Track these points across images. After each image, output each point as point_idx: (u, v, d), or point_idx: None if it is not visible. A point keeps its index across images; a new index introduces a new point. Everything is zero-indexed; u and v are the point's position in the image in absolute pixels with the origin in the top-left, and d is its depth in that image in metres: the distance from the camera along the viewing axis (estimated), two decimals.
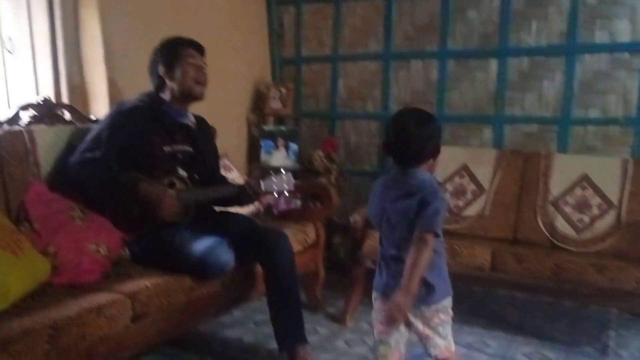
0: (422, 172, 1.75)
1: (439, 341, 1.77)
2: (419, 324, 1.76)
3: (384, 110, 3.64)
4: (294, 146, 3.68)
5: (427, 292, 1.72)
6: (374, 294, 1.89)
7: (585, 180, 2.89)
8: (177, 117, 2.39)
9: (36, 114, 2.39)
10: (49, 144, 2.30)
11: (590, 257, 2.59)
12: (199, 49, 2.41)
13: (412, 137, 1.68)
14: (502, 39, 3.25)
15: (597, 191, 2.85)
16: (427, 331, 1.76)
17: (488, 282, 2.74)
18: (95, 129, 2.28)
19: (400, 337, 1.79)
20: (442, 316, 1.76)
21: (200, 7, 3.30)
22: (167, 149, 2.32)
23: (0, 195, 2.10)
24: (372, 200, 1.84)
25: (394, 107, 3.60)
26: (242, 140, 3.76)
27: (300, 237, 2.79)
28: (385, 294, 1.78)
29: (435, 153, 1.76)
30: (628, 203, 2.77)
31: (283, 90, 3.73)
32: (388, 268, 1.80)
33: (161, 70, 2.35)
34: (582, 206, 2.87)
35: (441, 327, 1.77)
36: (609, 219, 2.79)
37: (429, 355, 1.81)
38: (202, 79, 2.37)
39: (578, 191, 2.89)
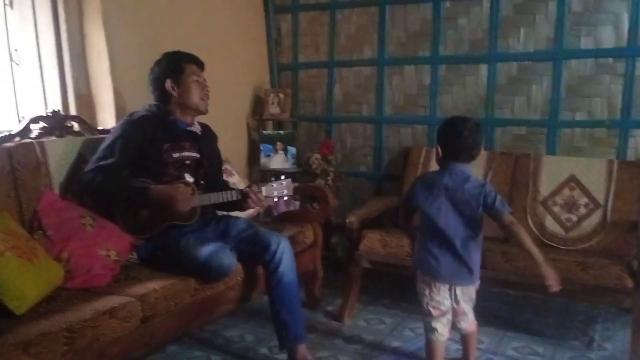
0: (469, 168, 2.15)
1: (471, 316, 2.25)
2: (462, 301, 2.19)
3: (378, 114, 3.74)
4: (292, 149, 3.78)
5: (472, 273, 2.15)
6: (428, 279, 2.19)
7: (573, 181, 3.00)
8: (184, 125, 2.51)
9: (46, 125, 2.50)
10: (59, 154, 2.41)
11: (577, 255, 2.68)
12: (201, 65, 2.52)
13: (480, 136, 2.13)
14: (491, 45, 3.35)
15: (584, 191, 2.97)
16: (466, 307, 2.21)
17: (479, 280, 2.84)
18: (107, 138, 2.39)
19: (449, 316, 2.20)
20: (473, 294, 2.23)
21: (201, 18, 3.39)
22: (176, 155, 2.43)
23: (14, 205, 2.21)
24: (425, 194, 2.16)
25: (388, 111, 3.71)
26: (242, 144, 3.87)
27: (299, 238, 2.89)
28: (454, 277, 2.15)
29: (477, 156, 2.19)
30: (613, 202, 2.89)
31: (281, 95, 3.83)
32: (452, 251, 2.11)
33: (167, 84, 2.46)
34: (570, 206, 2.98)
35: (471, 303, 2.23)
36: (595, 218, 2.91)
37: (460, 328, 2.28)
38: (206, 95, 2.51)
39: (566, 191, 3.01)
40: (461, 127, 2.10)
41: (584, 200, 2.96)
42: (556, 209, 3.00)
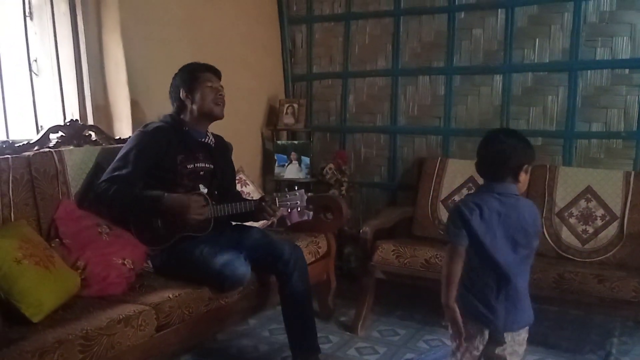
0: (514, 187, 1.82)
1: None
2: (507, 351, 1.82)
3: (392, 124, 3.74)
4: (306, 159, 3.78)
5: (525, 311, 1.82)
6: (475, 329, 1.81)
7: (589, 192, 2.97)
8: (198, 137, 2.53)
9: (64, 135, 2.54)
10: (77, 163, 2.45)
11: (593, 267, 2.67)
12: (216, 73, 2.55)
13: (515, 149, 1.79)
14: (506, 55, 3.34)
15: (601, 203, 2.94)
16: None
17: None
18: (122, 148, 2.41)
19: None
20: (524, 340, 1.86)
21: (217, 30, 3.43)
22: (190, 166, 2.46)
23: (32, 213, 2.24)
24: (477, 221, 1.75)
25: (403, 121, 3.71)
26: (256, 154, 3.88)
27: (312, 248, 2.89)
28: (509, 322, 1.78)
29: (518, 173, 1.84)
30: (630, 214, 2.86)
31: (295, 106, 3.85)
32: (507, 290, 1.76)
33: (182, 94, 2.49)
34: (587, 217, 2.95)
35: (517, 357, 1.86)
36: (612, 229, 2.88)
37: None
38: (220, 100, 2.52)
39: (582, 203, 2.98)
40: (498, 140, 1.81)
41: (600, 211, 2.93)
42: (572, 220, 2.97)
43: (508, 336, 1.80)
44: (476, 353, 1.82)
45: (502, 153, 1.79)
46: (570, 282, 2.54)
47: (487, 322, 1.79)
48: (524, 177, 1.82)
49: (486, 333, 1.80)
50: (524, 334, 1.85)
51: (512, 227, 1.75)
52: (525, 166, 1.81)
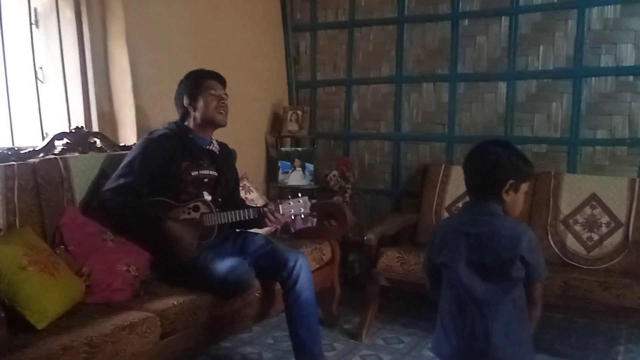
0: (496, 205, 1.60)
1: None
2: None
3: (396, 131, 3.74)
4: (310, 166, 3.78)
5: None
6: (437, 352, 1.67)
7: (594, 200, 2.96)
8: (203, 144, 2.54)
9: (69, 142, 2.54)
10: (82, 170, 2.45)
11: (598, 274, 2.65)
12: (221, 80, 2.55)
13: (498, 161, 1.59)
14: (510, 62, 3.34)
15: (606, 210, 2.93)
16: None
17: None
18: (127, 156, 2.42)
19: None
20: None
21: (221, 37, 3.44)
22: (194, 173, 2.46)
23: (37, 219, 2.24)
24: (445, 242, 1.63)
25: (407, 128, 3.71)
26: (260, 161, 3.89)
27: (316, 255, 2.88)
28: (464, 355, 1.56)
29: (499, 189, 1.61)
30: (635, 221, 2.85)
31: (299, 112, 3.85)
32: (475, 336, 1.54)
33: (185, 101, 2.50)
34: (592, 224, 2.94)
35: None
36: (617, 237, 2.87)
37: None
38: (223, 108, 2.52)
39: (587, 210, 2.97)
40: (482, 150, 1.64)
41: (605, 219, 2.92)
42: (577, 227, 2.96)
43: None
44: None
45: (484, 165, 1.61)
46: (576, 290, 2.53)
47: (439, 347, 1.61)
48: (511, 196, 1.60)
49: None
50: None
51: (483, 251, 1.55)
52: (511, 182, 1.58)
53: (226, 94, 2.55)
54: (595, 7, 3.11)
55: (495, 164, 1.60)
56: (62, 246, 2.18)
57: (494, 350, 1.52)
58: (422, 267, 1.72)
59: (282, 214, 2.46)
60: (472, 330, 1.54)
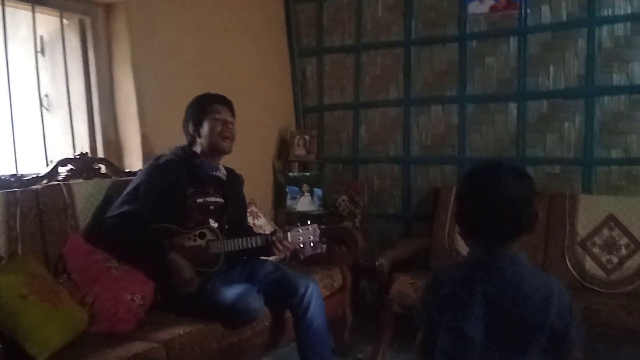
0: (522, 253, 1.30)
1: None
2: None
3: (405, 154, 3.69)
4: (318, 191, 3.73)
5: None
6: None
7: (612, 221, 2.89)
8: (210, 170, 2.48)
9: (74, 168, 2.50)
10: (86, 197, 2.40)
11: (621, 298, 2.57)
12: (226, 103, 2.50)
13: (512, 198, 1.27)
14: (520, 83, 3.30)
15: (624, 231, 2.85)
16: None
17: None
18: (132, 181, 2.37)
19: None
20: None
21: (227, 62, 3.43)
22: (200, 200, 2.40)
23: (39, 247, 2.19)
24: (447, 305, 1.28)
25: (416, 151, 3.66)
26: (268, 187, 3.84)
27: (327, 282, 2.82)
28: None
29: (533, 224, 1.32)
30: None
31: (307, 137, 3.82)
32: None
33: (190, 127, 2.46)
34: (611, 247, 2.86)
35: None
36: (637, 259, 2.79)
37: None
38: (228, 133, 2.45)
39: (605, 232, 2.89)
40: (498, 176, 1.29)
41: (624, 240, 2.83)
42: (596, 250, 2.87)
43: None
44: None
45: (514, 198, 1.27)
46: (598, 314, 2.45)
47: None
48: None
49: None
50: None
51: (504, 316, 1.23)
52: (525, 215, 1.30)
53: (233, 118, 2.50)
54: (605, 25, 3.08)
55: (524, 197, 1.29)
56: (65, 274, 2.13)
57: None
58: (417, 316, 1.36)
59: (290, 242, 2.39)
60: None
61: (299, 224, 2.54)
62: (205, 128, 2.43)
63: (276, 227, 2.99)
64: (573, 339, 1.28)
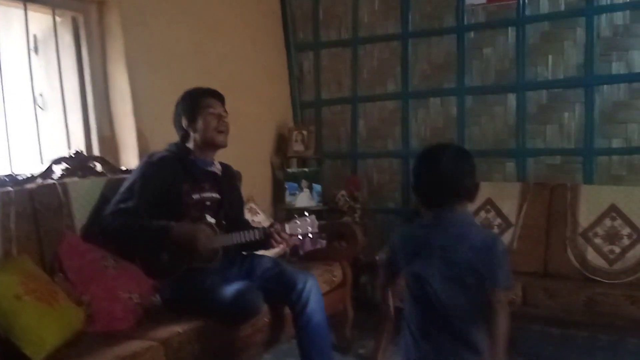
0: (466, 214, 1.64)
1: None
2: None
3: (404, 148, 3.67)
4: (317, 187, 3.71)
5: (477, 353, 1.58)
6: None
7: (613, 211, 2.85)
8: (204, 166, 2.45)
9: (69, 166, 2.48)
10: (82, 195, 2.37)
11: (624, 288, 2.54)
12: (219, 97, 2.47)
13: (450, 171, 1.59)
14: (519, 73, 3.29)
15: (627, 221, 2.81)
16: None
17: (520, 317, 2.69)
18: (127, 179, 2.34)
19: None
20: None
21: (223, 58, 3.41)
22: (195, 196, 2.37)
23: (35, 246, 2.17)
24: (409, 255, 1.67)
25: (415, 144, 3.64)
26: (266, 183, 3.82)
27: (327, 277, 2.80)
28: None
29: (473, 193, 1.65)
30: None
31: (305, 132, 3.80)
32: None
33: (184, 122, 2.43)
34: (612, 237, 2.83)
35: None
36: None
37: None
38: (223, 127, 2.43)
39: (607, 222, 2.85)
40: (440, 155, 1.62)
41: (626, 230, 2.80)
42: (597, 240, 2.84)
43: None
44: None
45: (451, 173, 1.59)
46: (602, 305, 2.42)
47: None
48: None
49: None
50: None
51: (454, 263, 1.55)
52: (460, 185, 1.61)
53: (226, 112, 2.47)
54: (604, 14, 3.07)
55: (461, 170, 1.61)
56: (60, 274, 2.10)
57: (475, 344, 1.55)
58: (381, 261, 1.76)
59: (290, 234, 2.37)
60: (453, 339, 1.58)
61: (296, 216, 2.50)
62: (200, 123, 2.40)
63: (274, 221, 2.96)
64: (498, 281, 1.53)
